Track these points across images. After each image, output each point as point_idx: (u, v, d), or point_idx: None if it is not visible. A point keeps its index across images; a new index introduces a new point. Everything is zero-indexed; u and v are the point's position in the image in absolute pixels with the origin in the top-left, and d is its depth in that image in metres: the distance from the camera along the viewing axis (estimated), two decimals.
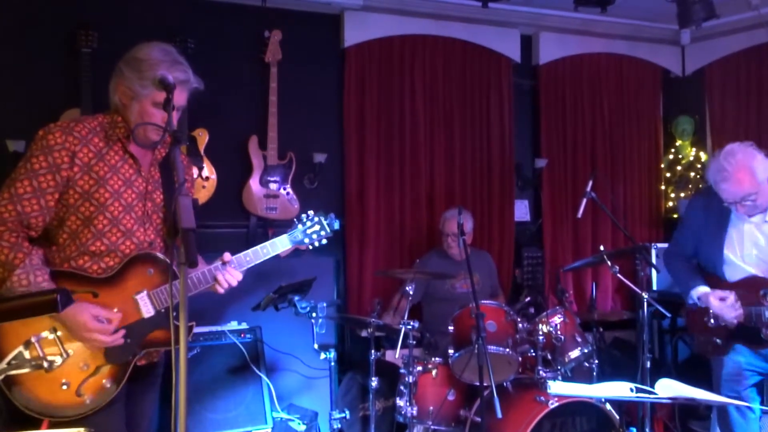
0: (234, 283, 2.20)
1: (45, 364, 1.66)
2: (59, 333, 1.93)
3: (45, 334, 1.85)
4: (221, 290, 2.20)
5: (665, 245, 4.93)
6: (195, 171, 3.89)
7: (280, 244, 2.31)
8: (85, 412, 1.97)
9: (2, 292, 1.93)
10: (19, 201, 1.95)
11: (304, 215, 2.41)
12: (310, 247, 2.42)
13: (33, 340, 1.73)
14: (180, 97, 2.07)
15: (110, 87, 2.10)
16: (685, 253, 3.08)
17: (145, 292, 2.07)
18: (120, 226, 2.06)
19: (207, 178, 3.98)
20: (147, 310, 2.07)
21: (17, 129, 3.64)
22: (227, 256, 2.21)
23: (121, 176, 2.08)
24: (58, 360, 1.80)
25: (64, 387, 1.95)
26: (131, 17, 3.95)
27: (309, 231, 2.39)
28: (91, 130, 2.05)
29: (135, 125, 2.05)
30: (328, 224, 2.42)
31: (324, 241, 2.43)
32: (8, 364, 1.60)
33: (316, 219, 2.40)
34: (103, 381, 2.00)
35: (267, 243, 2.28)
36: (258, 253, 2.25)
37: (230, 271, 2.19)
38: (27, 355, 1.62)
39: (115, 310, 2.02)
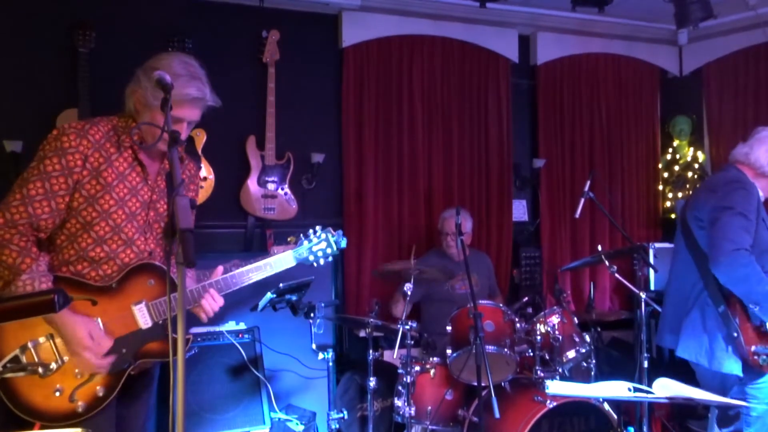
0: (216, 309, 2.14)
1: (40, 370, 1.65)
2: (55, 339, 1.93)
3: (41, 339, 1.84)
4: (204, 318, 2.15)
5: (663, 245, 4.96)
6: None
7: (284, 261, 2.26)
8: (77, 418, 1.96)
9: (4, 295, 1.92)
10: (30, 203, 1.94)
11: (311, 231, 2.34)
12: (315, 264, 2.34)
13: (29, 345, 1.72)
14: (192, 113, 2.06)
15: (126, 92, 2.09)
16: (750, 249, 2.71)
17: (143, 302, 2.05)
18: (121, 234, 2.05)
19: (205, 179, 3.97)
20: (144, 322, 2.05)
21: (14, 129, 3.63)
22: (221, 270, 2.16)
23: (128, 184, 2.07)
24: (53, 366, 1.79)
25: (57, 393, 1.94)
26: (129, 17, 3.95)
27: (315, 248, 2.32)
28: (105, 134, 2.04)
29: (137, 123, 2.06)
30: (335, 241, 2.35)
31: (330, 259, 2.35)
32: (4, 367, 1.60)
33: (323, 236, 2.34)
34: (97, 388, 1.99)
35: (271, 259, 2.24)
36: (261, 269, 2.21)
37: (213, 296, 2.13)
38: (23, 359, 1.61)
39: (108, 327, 2.00)
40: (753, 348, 2.67)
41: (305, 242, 2.33)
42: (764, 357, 2.66)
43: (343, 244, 2.37)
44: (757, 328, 2.71)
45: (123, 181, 2.06)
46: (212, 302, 2.13)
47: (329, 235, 2.35)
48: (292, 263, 2.29)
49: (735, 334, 2.68)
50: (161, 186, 2.16)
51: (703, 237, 2.83)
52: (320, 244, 2.33)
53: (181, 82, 1.97)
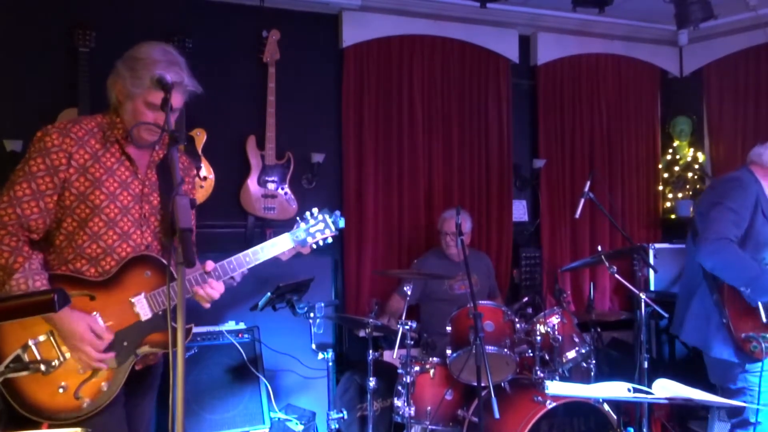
0: (216, 296, 2.13)
1: (42, 368, 1.65)
2: (56, 336, 1.92)
3: (42, 337, 1.84)
4: (206, 305, 2.14)
5: (663, 245, 4.97)
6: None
7: (281, 244, 2.23)
8: (83, 414, 1.96)
9: (1, 295, 1.92)
10: (18, 204, 1.94)
11: (307, 213, 2.32)
12: (314, 246, 2.32)
13: (30, 343, 1.72)
14: (174, 99, 2.04)
15: (108, 84, 2.09)
16: (735, 240, 2.83)
17: (142, 294, 2.05)
18: (116, 229, 2.05)
19: (205, 178, 3.97)
20: (144, 313, 2.05)
21: (15, 129, 3.64)
22: (210, 264, 2.13)
23: (117, 178, 2.07)
24: (55, 363, 1.80)
25: (62, 390, 1.94)
26: (129, 17, 3.95)
27: (312, 229, 2.30)
28: (88, 132, 2.04)
29: (132, 126, 2.04)
30: (333, 222, 2.32)
31: (329, 240, 2.33)
32: (6, 367, 1.60)
33: (320, 217, 2.31)
34: (101, 384, 1.99)
35: (267, 242, 2.22)
36: (258, 253, 2.18)
37: (211, 284, 2.12)
38: (25, 358, 1.61)
39: (110, 324, 2.00)
40: (743, 335, 2.78)
41: (302, 224, 2.30)
42: (755, 344, 2.74)
43: (341, 223, 2.35)
44: (746, 314, 2.80)
45: (112, 176, 2.05)
46: (210, 290, 2.11)
47: (326, 216, 2.32)
48: (290, 245, 2.26)
49: (725, 321, 2.81)
50: (152, 179, 2.16)
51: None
52: (318, 225, 2.30)
53: (160, 68, 1.97)
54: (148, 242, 2.12)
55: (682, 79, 5.45)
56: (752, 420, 2.84)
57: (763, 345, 2.71)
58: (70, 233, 2.02)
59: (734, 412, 2.96)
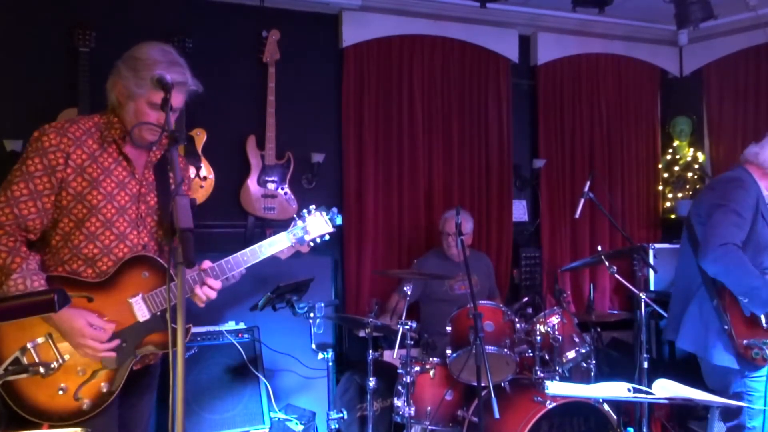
0: (213, 296, 2.13)
1: (41, 370, 1.65)
2: (54, 338, 1.92)
3: (40, 339, 1.84)
4: (201, 304, 2.14)
5: (663, 245, 4.97)
6: (192, 171, 3.89)
7: (279, 242, 2.24)
8: (84, 415, 1.96)
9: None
10: (16, 204, 1.94)
11: (304, 210, 2.34)
12: (311, 244, 2.33)
13: (29, 346, 1.73)
14: (176, 99, 2.04)
15: (108, 85, 2.09)
16: (741, 244, 2.75)
17: (140, 295, 2.05)
18: (113, 229, 2.04)
19: (205, 178, 3.97)
20: (142, 314, 2.04)
21: (15, 129, 3.64)
22: (206, 264, 2.14)
23: (115, 178, 2.06)
24: (54, 365, 1.80)
25: (62, 392, 1.94)
26: (129, 17, 3.95)
27: (310, 227, 2.31)
28: (86, 131, 2.04)
29: (132, 126, 2.04)
30: (330, 219, 2.34)
31: (326, 237, 2.35)
32: (5, 370, 1.60)
33: (317, 214, 2.33)
34: (101, 385, 1.99)
35: (265, 241, 2.23)
36: (256, 252, 2.19)
37: (209, 283, 2.12)
38: (24, 360, 1.62)
39: (106, 318, 2.00)
40: (744, 341, 2.72)
41: (300, 222, 2.32)
42: (756, 350, 2.70)
43: (339, 221, 2.37)
44: (748, 321, 2.75)
45: (109, 176, 2.05)
46: (207, 290, 2.12)
47: (323, 213, 2.34)
48: (287, 244, 2.27)
49: (726, 327, 2.75)
50: (149, 179, 2.16)
51: (701, 233, 2.89)
52: (315, 223, 2.32)
53: (161, 68, 1.97)
54: (144, 242, 2.12)
55: (682, 79, 5.45)
56: (748, 424, 2.82)
57: (765, 351, 2.66)
58: (67, 233, 2.01)
59: (729, 416, 2.91)
